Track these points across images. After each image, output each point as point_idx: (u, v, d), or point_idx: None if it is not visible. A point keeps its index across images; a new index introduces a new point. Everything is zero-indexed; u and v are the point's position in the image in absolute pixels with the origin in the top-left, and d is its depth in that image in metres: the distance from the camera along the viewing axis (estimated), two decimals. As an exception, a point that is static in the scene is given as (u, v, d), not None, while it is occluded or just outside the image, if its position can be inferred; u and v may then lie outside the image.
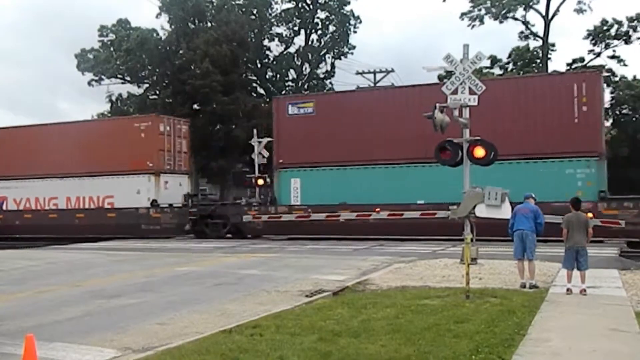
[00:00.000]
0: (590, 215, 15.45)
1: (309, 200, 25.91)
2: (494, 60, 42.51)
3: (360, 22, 48.77)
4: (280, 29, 48.88)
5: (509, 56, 42.88)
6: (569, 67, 41.21)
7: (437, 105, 14.12)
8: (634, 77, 39.52)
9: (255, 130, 29.76)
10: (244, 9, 47.30)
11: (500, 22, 41.39)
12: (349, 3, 48.15)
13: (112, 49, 45.29)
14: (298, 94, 30.82)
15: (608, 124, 41.36)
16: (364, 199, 24.41)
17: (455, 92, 14.74)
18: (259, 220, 26.45)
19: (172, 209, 28.62)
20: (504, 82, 27.51)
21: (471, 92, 14.83)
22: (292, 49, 49.08)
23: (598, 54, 40.64)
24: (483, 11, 41.56)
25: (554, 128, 22.17)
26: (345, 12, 48.22)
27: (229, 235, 27.60)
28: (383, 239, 22.84)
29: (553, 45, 42.55)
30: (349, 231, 24.46)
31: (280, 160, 27.01)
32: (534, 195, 12.69)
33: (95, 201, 29.68)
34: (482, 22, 42.02)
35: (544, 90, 22.80)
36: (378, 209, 23.56)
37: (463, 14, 42.09)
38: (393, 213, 23.30)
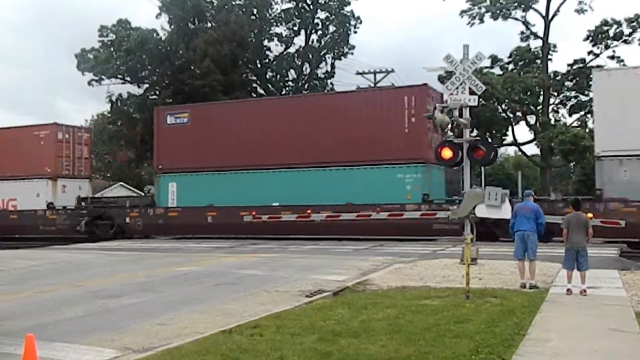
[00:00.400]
0: (590, 215, 15.48)
1: (183, 203, 28.17)
2: (494, 60, 42.48)
3: (361, 22, 48.73)
4: (280, 29, 48.86)
5: (510, 56, 42.83)
6: (569, 68, 41.17)
7: (437, 105, 14.15)
8: (634, 77, 39.39)
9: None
10: (244, 9, 47.21)
11: (496, 19, 41.28)
12: (349, 3, 48.08)
13: (112, 49, 45.16)
14: (176, 105, 32.56)
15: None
16: (230, 201, 26.51)
17: (455, 92, 14.75)
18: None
19: (66, 211, 30.61)
20: (349, 95, 28.49)
21: (471, 92, 14.83)
22: (292, 49, 49.03)
23: (597, 55, 40.60)
24: (483, 9, 41.47)
25: (389, 137, 24.26)
26: (345, 12, 48.15)
27: (119, 236, 28.91)
28: (383, 239, 22.92)
29: (554, 46, 42.54)
30: (219, 231, 26.87)
31: (160, 166, 29.23)
32: (533, 193, 12.67)
33: (0, 204, 31.89)
34: (482, 20, 41.93)
35: (383, 103, 24.81)
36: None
37: (463, 12, 42.07)
38: (393, 213, 23.49)
